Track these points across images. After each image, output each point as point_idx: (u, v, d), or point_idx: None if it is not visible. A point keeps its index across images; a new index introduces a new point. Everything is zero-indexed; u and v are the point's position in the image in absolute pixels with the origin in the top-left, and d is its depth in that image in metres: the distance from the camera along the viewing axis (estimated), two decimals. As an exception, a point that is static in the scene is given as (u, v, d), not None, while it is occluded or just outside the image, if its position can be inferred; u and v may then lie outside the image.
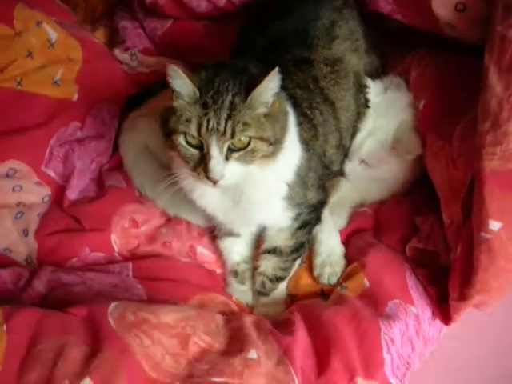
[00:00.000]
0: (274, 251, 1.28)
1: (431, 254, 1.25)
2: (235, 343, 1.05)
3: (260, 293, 1.30)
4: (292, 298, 1.29)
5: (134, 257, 1.33)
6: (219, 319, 1.11)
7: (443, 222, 1.24)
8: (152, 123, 1.43)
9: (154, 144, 1.44)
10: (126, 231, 1.34)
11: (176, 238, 1.35)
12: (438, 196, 1.28)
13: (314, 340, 1.08)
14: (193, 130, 1.08)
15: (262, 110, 1.09)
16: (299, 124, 1.20)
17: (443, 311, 1.19)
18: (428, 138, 1.29)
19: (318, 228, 1.31)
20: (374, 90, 1.37)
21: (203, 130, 1.07)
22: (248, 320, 1.12)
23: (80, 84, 1.53)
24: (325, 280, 1.27)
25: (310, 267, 1.31)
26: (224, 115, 1.06)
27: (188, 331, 1.04)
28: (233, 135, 1.06)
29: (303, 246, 1.29)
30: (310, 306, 1.18)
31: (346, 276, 1.26)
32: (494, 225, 1.05)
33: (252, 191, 1.16)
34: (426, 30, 1.35)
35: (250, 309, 1.30)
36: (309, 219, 1.26)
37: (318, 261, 1.29)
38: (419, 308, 1.17)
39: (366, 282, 1.20)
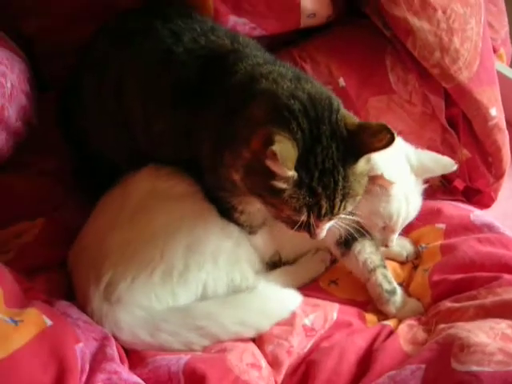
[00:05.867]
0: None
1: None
2: None
3: (389, 292, 1.35)
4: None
5: None
6: None
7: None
8: (151, 280, 1.28)
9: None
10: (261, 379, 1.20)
11: (291, 339, 1.27)
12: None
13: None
14: (301, 217, 1.09)
15: (366, 168, 1.13)
16: None
17: (480, 201, 1.61)
18: (369, 101, 1.56)
19: None
20: None
21: (313, 216, 1.09)
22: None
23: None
24: (412, 256, 1.47)
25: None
26: (339, 198, 1.08)
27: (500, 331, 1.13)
28: (344, 209, 1.12)
29: None
30: (448, 266, 1.35)
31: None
32: (493, 110, 1.49)
33: None
34: (282, 33, 1.57)
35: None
36: None
37: (396, 252, 1.46)
38: (475, 207, 1.56)
39: (441, 226, 1.46)
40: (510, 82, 1.90)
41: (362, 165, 1.10)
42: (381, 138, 1.05)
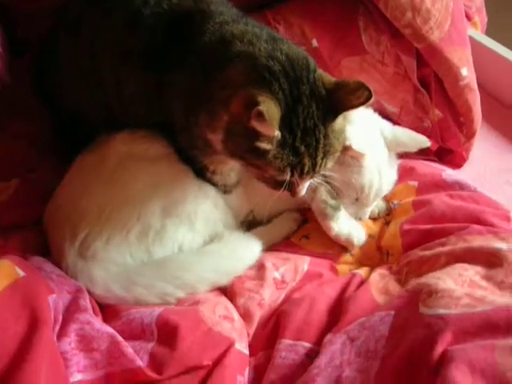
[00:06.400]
0: None
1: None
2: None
3: (334, 207, 1.38)
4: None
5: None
6: None
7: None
8: (126, 240, 1.30)
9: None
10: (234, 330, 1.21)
11: (262, 292, 1.29)
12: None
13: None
14: (285, 176, 1.11)
15: (344, 124, 1.16)
16: None
17: (452, 161, 1.64)
18: (342, 62, 1.57)
19: None
20: None
21: (296, 175, 1.11)
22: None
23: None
24: (384, 212, 1.48)
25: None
26: (320, 156, 1.11)
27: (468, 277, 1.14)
28: (325, 166, 1.15)
29: None
30: (419, 218, 1.37)
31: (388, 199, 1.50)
32: (464, 70, 1.51)
33: None
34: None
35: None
36: None
37: None
38: (448, 167, 1.58)
39: (414, 183, 1.47)
40: (484, 48, 1.92)
41: (339, 122, 1.13)
42: (358, 95, 1.08)
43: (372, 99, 1.08)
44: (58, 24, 1.43)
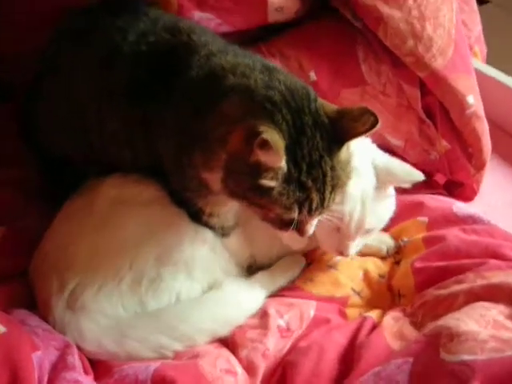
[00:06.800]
0: None
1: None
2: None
3: None
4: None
5: None
6: None
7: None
8: (118, 289, 1.21)
9: None
10: None
11: (266, 341, 1.19)
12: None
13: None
14: (292, 214, 1.04)
15: (349, 155, 1.09)
16: None
17: (462, 194, 1.56)
18: (342, 93, 1.51)
19: None
20: None
21: (304, 212, 1.04)
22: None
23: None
24: (393, 250, 1.40)
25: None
26: (328, 190, 1.04)
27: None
28: (333, 201, 1.08)
29: None
30: (432, 255, 1.30)
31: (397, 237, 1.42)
32: (470, 98, 1.44)
33: None
34: (250, 28, 1.53)
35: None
36: None
37: (376, 247, 1.39)
38: (458, 201, 1.49)
39: (424, 219, 1.40)
40: (486, 78, 1.87)
41: (344, 152, 1.06)
42: (364, 121, 1.02)
43: (378, 125, 1.01)
44: (40, 67, 1.38)
